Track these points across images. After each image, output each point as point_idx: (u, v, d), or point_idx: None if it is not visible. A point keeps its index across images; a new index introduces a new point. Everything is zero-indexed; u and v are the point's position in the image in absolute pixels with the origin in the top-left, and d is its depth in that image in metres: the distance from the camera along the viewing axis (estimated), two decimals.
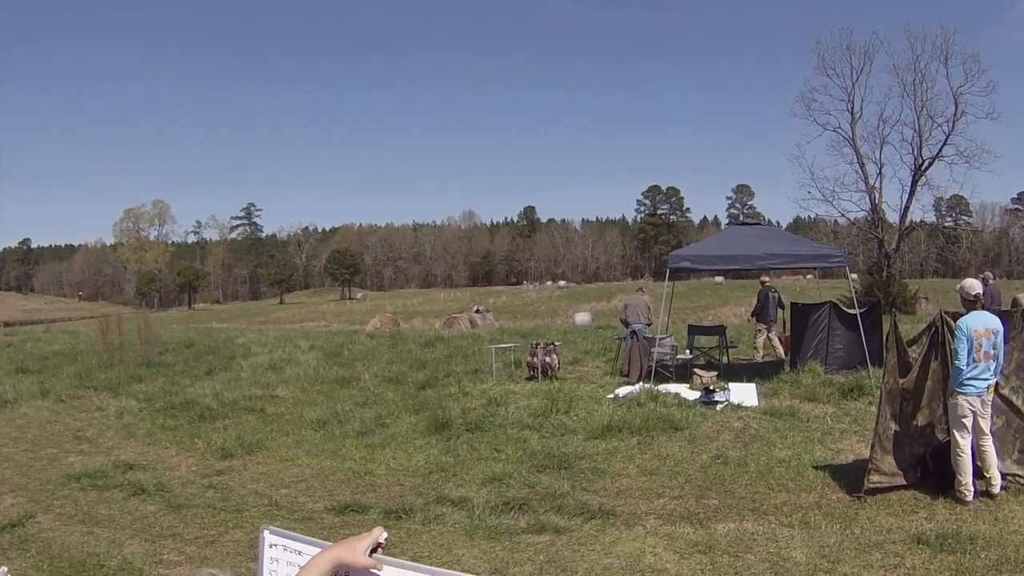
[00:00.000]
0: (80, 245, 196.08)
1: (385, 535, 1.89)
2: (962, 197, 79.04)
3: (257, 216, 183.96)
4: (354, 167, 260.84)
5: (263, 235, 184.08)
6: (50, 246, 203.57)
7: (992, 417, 8.11)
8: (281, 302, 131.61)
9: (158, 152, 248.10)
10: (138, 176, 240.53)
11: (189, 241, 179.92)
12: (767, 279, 20.76)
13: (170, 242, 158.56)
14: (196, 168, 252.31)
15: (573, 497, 8.65)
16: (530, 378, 16.41)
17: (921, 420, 8.50)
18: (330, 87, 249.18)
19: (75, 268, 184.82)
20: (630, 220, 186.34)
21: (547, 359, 16.52)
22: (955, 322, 8.12)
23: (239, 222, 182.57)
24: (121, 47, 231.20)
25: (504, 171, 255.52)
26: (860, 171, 44.28)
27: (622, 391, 14.51)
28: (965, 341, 7.86)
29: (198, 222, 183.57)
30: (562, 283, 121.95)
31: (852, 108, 44.55)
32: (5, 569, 2.80)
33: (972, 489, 7.91)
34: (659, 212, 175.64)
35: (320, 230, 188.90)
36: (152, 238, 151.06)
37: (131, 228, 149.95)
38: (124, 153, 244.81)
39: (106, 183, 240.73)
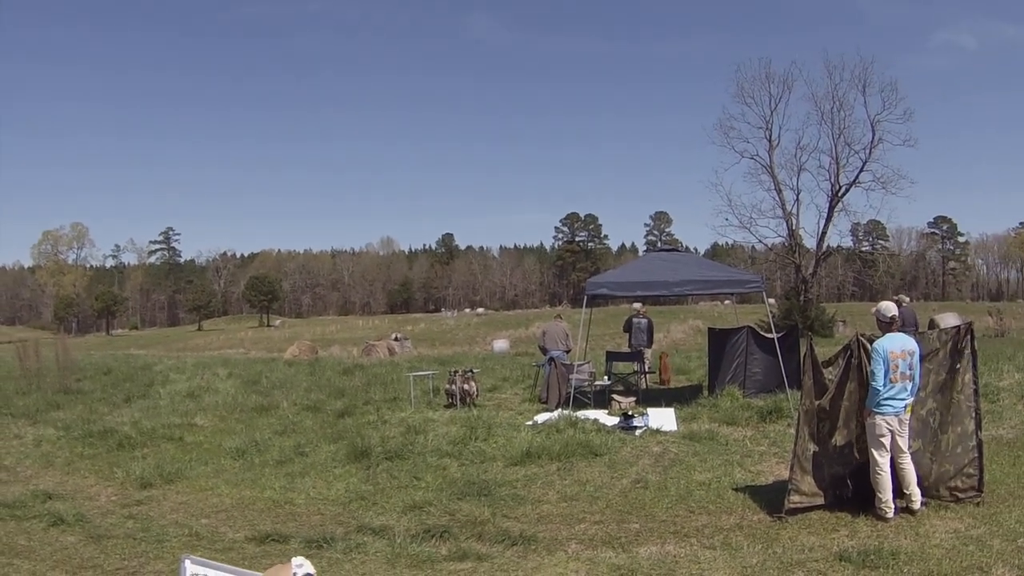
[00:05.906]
0: None
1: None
2: (879, 222, 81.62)
3: (176, 240, 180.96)
4: (273, 192, 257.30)
5: (181, 260, 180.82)
6: None
7: (909, 440, 8.24)
8: (199, 328, 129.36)
9: (77, 173, 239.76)
10: (57, 197, 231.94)
11: (107, 265, 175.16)
12: (635, 306, 21.36)
13: (88, 266, 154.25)
14: (115, 190, 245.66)
15: (494, 524, 8.54)
16: (449, 406, 16.25)
17: (839, 440, 8.60)
18: (248, 111, 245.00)
19: None
20: (548, 247, 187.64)
21: (465, 386, 16.40)
22: (871, 344, 8.26)
23: (158, 246, 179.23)
24: (39, 65, 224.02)
25: (422, 198, 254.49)
26: (778, 198, 45.36)
27: (541, 418, 14.44)
28: (881, 362, 8.00)
29: (117, 246, 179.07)
30: (480, 310, 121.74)
31: (770, 136, 45.72)
32: None
33: (892, 506, 8.03)
34: (577, 239, 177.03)
35: (239, 256, 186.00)
36: (71, 261, 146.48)
37: (50, 251, 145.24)
38: (42, 174, 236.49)
39: (24, 204, 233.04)
